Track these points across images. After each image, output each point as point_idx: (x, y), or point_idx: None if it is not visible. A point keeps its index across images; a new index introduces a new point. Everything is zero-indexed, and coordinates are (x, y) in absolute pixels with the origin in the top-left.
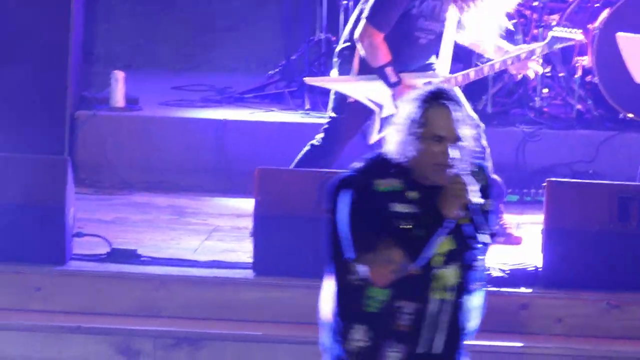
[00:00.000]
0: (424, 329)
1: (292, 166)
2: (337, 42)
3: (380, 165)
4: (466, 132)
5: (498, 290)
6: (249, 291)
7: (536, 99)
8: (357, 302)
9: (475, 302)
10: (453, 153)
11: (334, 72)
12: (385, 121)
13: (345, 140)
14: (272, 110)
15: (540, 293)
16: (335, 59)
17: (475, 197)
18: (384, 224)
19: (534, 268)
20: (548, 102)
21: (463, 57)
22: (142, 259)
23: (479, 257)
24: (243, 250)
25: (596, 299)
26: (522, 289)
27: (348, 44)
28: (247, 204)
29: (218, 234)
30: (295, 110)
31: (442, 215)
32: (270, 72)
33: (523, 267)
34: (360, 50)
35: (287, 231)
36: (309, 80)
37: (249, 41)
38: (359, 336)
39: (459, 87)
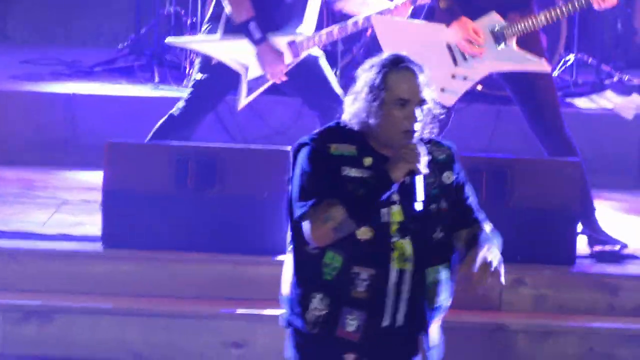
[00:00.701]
0: (387, 299)
1: (149, 137)
2: (186, 15)
3: (337, 131)
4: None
5: None
6: (98, 264)
7: None
8: (314, 271)
9: (439, 276)
10: (419, 116)
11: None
12: (252, 84)
13: (204, 111)
14: (121, 84)
15: None
16: (205, 27)
17: (424, 166)
18: (335, 187)
19: None
20: None
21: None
22: None
23: (438, 230)
24: (92, 223)
25: None
26: None
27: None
28: (97, 178)
29: (67, 207)
30: (145, 84)
31: (389, 179)
32: (119, 46)
33: None
34: (226, 7)
35: (136, 204)
36: (171, 40)
37: (100, 15)
38: (316, 305)
39: (322, 46)
